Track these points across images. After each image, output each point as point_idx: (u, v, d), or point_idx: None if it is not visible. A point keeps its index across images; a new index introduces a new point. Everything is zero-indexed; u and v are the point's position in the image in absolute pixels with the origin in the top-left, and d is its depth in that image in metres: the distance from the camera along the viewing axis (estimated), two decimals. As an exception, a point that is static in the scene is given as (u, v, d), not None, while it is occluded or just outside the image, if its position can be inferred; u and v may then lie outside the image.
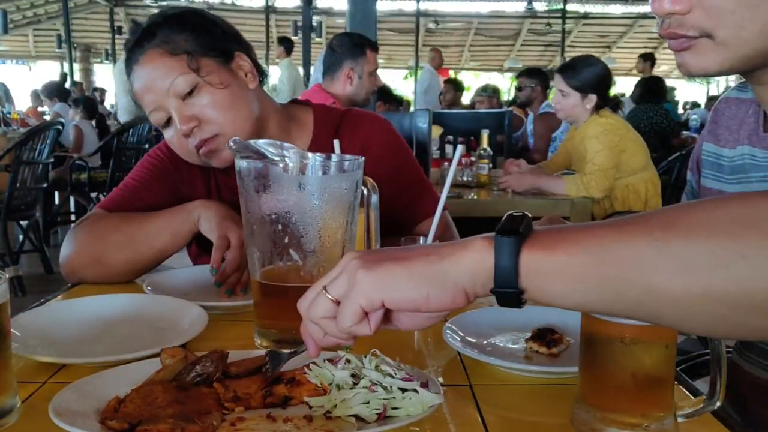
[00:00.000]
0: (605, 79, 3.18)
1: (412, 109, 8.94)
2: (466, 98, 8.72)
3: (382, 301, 0.64)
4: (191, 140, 1.30)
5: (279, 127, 1.41)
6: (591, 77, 3.13)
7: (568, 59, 3.67)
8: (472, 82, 16.55)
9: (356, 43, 3.33)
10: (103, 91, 12.18)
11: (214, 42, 1.32)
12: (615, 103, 3.43)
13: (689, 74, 0.81)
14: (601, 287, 0.59)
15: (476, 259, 0.62)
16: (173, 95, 1.27)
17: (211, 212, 1.26)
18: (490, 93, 6.79)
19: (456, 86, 7.83)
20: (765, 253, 0.54)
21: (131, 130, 5.83)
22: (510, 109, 5.35)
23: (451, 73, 10.87)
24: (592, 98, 3.11)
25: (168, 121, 1.31)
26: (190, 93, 1.27)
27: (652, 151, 3.44)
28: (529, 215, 0.64)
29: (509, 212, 0.65)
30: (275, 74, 8.16)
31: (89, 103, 6.66)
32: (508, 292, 0.61)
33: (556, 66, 7.18)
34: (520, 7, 16.49)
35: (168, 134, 1.34)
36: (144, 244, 1.28)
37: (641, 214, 0.61)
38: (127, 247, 1.28)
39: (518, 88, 5.41)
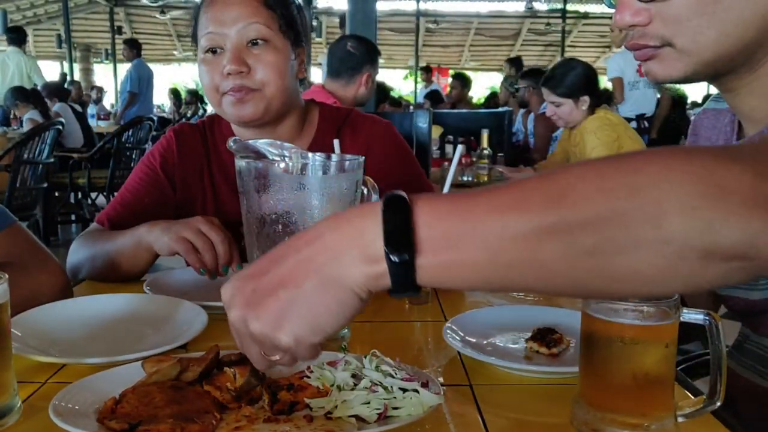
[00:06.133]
0: (590, 77, 3.19)
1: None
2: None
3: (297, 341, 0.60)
4: (229, 82, 1.32)
5: (297, 119, 1.47)
6: (577, 81, 3.14)
7: (547, 70, 3.60)
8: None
9: (372, 48, 3.35)
10: (101, 90, 12.18)
11: (295, 25, 1.39)
12: (607, 96, 3.42)
13: (657, 81, 0.87)
14: (499, 272, 0.56)
15: (369, 274, 0.58)
16: (242, 35, 1.32)
17: (156, 233, 1.23)
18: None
19: (463, 82, 7.81)
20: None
21: (131, 130, 5.82)
22: (510, 109, 5.36)
23: (451, 73, 10.86)
24: (585, 99, 3.13)
25: (214, 51, 1.34)
26: (255, 43, 1.33)
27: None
28: (407, 199, 0.57)
29: (387, 197, 0.58)
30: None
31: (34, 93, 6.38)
32: (408, 294, 0.58)
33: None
34: (520, 7, 16.47)
35: (205, 64, 1.36)
36: (116, 267, 1.30)
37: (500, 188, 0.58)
38: (104, 268, 1.32)
39: (516, 89, 5.42)
